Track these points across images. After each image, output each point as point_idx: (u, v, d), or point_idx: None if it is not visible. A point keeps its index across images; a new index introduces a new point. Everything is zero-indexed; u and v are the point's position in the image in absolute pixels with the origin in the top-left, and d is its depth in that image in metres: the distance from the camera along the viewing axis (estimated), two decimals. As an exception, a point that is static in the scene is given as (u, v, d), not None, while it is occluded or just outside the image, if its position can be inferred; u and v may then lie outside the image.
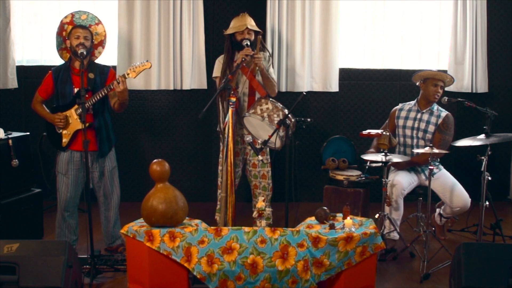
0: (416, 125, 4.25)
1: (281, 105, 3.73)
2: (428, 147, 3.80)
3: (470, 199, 4.09)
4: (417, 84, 4.34)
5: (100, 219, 4.01)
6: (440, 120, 4.21)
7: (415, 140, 4.25)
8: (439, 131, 4.20)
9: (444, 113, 4.25)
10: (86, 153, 3.49)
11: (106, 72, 3.85)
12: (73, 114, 3.75)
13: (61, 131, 3.79)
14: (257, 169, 4.19)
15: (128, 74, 3.63)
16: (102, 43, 3.92)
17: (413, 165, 4.22)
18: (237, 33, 4.07)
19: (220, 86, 3.76)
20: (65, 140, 3.79)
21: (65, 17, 3.83)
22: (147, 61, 3.66)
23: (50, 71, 3.85)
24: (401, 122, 4.32)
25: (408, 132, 4.28)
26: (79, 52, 3.62)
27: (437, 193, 4.17)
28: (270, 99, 3.78)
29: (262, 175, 4.19)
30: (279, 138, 3.63)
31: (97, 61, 3.94)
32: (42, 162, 4.93)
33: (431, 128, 4.22)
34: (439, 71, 4.27)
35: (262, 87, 4.07)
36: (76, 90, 3.74)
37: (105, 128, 3.86)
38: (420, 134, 4.23)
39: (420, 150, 3.89)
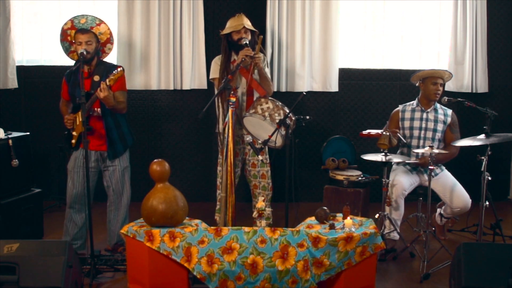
0: (423, 125, 4.25)
1: (280, 103, 3.74)
2: (428, 147, 3.80)
3: (470, 200, 4.09)
4: (416, 84, 4.34)
5: (108, 217, 4.00)
6: (449, 119, 4.24)
7: (421, 141, 4.24)
8: (452, 131, 4.23)
9: (449, 111, 4.27)
10: (86, 153, 3.49)
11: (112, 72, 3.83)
12: (79, 116, 3.75)
13: (72, 132, 3.85)
14: (256, 169, 4.19)
15: (109, 81, 3.60)
16: (109, 40, 3.92)
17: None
18: (234, 32, 4.07)
19: (220, 86, 3.77)
20: (73, 141, 3.85)
21: (65, 24, 3.81)
22: (121, 69, 3.58)
23: (64, 76, 3.91)
24: (407, 123, 4.30)
25: (415, 133, 4.26)
26: (79, 52, 3.62)
27: (437, 193, 4.17)
28: (270, 98, 3.78)
29: (262, 175, 4.19)
30: (280, 136, 3.63)
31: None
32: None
33: (440, 126, 4.23)
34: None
35: (261, 87, 4.07)
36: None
37: (116, 129, 3.87)
38: (429, 134, 4.22)
39: (420, 150, 3.90)
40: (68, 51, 3.90)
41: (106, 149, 3.84)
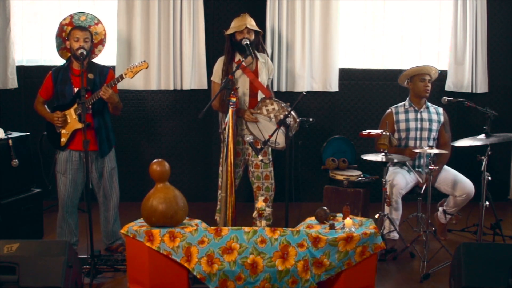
0: (419, 126, 4.24)
1: (285, 104, 3.73)
2: (427, 147, 3.80)
3: (473, 186, 4.08)
4: (404, 84, 4.36)
5: (100, 219, 4.01)
6: (442, 118, 4.24)
7: (418, 142, 4.24)
8: (445, 130, 4.24)
9: (440, 109, 4.29)
10: (86, 153, 3.49)
11: (106, 73, 3.85)
12: (72, 113, 3.75)
13: (60, 130, 3.80)
14: (260, 170, 4.16)
15: (125, 74, 3.63)
16: (102, 42, 3.93)
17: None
18: (237, 33, 4.07)
19: (221, 86, 3.78)
20: (63, 140, 3.79)
21: (64, 19, 3.82)
22: (144, 61, 3.67)
23: (50, 72, 3.86)
24: (403, 125, 4.29)
25: (412, 134, 4.26)
26: (79, 52, 3.62)
27: (439, 188, 4.15)
28: (274, 99, 3.78)
29: (265, 176, 4.17)
30: (284, 137, 3.62)
31: (97, 60, 3.94)
32: (42, 161, 4.94)
33: (435, 125, 4.24)
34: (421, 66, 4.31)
35: (265, 88, 4.07)
36: (76, 90, 3.74)
37: (105, 129, 3.86)
38: (425, 134, 4.22)
39: (418, 150, 3.90)
40: (59, 48, 3.89)
41: (96, 149, 3.82)
